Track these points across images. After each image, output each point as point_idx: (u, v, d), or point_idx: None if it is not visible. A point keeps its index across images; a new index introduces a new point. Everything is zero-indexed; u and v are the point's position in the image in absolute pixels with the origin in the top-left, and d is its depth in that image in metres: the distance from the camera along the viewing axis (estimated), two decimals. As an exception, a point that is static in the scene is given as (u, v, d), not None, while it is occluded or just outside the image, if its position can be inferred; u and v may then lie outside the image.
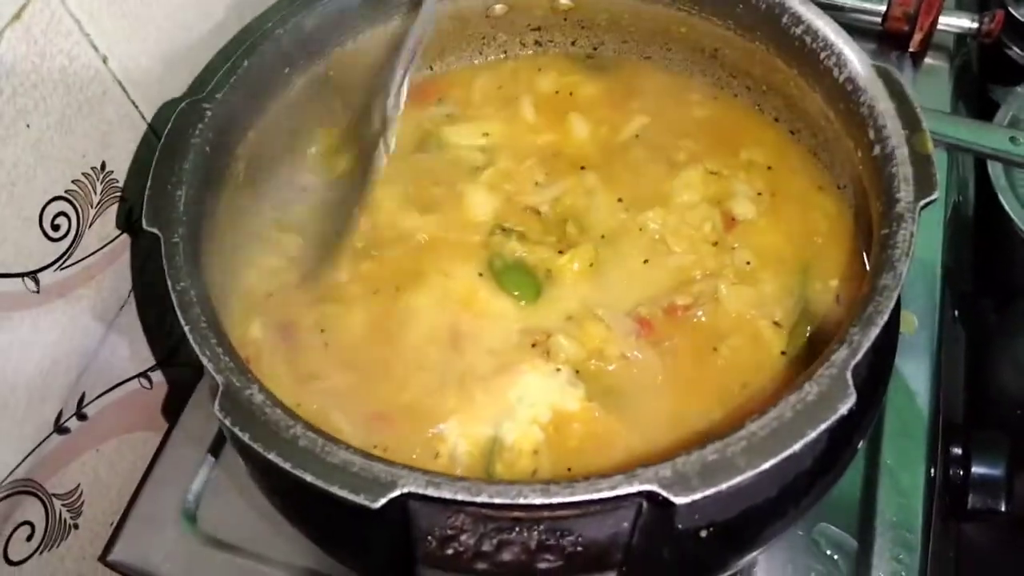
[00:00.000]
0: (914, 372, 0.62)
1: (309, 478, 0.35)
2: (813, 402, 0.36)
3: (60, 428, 0.57)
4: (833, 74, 0.51)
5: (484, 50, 0.66)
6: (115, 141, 0.56)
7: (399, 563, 0.34)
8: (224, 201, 0.52)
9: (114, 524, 0.63)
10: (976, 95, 0.81)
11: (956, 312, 0.70)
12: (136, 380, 0.64)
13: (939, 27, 0.74)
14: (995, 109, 0.75)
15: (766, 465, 0.34)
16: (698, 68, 0.63)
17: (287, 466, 0.36)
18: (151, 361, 0.65)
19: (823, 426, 0.35)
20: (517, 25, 0.64)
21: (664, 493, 0.33)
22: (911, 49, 0.75)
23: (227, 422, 0.37)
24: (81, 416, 0.59)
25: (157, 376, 0.66)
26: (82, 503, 0.60)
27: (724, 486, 0.34)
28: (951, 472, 0.62)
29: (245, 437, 0.37)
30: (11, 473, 0.53)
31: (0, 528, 0.54)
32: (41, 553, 0.57)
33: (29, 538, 0.56)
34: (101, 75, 0.54)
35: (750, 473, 0.34)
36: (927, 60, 0.77)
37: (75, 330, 0.56)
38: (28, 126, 0.49)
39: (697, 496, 0.33)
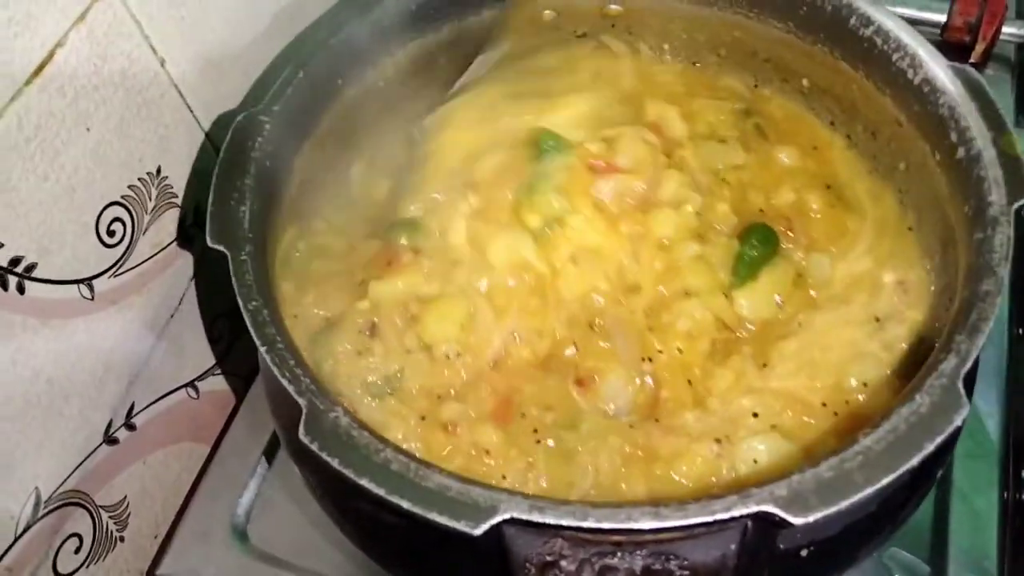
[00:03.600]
0: (984, 391, 0.60)
1: (406, 505, 0.33)
2: (927, 414, 0.35)
3: (109, 439, 0.56)
4: (907, 75, 0.50)
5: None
6: (171, 145, 0.55)
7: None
8: (284, 213, 0.51)
9: (159, 537, 0.62)
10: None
11: (1020, 330, 0.68)
12: (183, 390, 0.62)
13: (1002, 37, 0.72)
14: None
15: (886, 480, 0.33)
16: (749, 71, 0.61)
17: (381, 492, 0.34)
18: (198, 371, 0.64)
19: (940, 438, 0.34)
20: (564, 31, 0.63)
21: (781, 513, 0.32)
22: (972, 60, 0.73)
23: (314, 447, 0.35)
24: (130, 426, 0.57)
25: (204, 386, 0.64)
26: (128, 515, 0.59)
27: (844, 504, 0.32)
28: (1022, 496, 0.60)
29: (335, 463, 0.35)
30: (62, 484, 0.52)
31: (50, 540, 0.52)
32: (88, 566, 0.56)
33: (77, 550, 0.55)
34: (159, 78, 0.53)
35: (869, 490, 0.32)
36: (988, 71, 0.75)
37: (127, 338, 0.55)
38: (88, 129, 0.49)
39: (816, 516, 0.32)
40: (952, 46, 0.74)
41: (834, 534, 0.37)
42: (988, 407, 0.60)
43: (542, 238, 0.51)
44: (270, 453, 0.60)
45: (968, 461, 0.57)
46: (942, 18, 0.73)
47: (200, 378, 0.64)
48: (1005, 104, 0.74)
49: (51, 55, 0.45)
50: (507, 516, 0.33)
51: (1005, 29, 0.73)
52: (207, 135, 0.58)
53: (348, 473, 0.35)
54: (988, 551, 0.54)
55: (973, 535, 0.55)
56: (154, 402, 0.59)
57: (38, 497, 0.50)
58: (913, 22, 0.73)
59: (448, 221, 0.53)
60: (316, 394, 0.38)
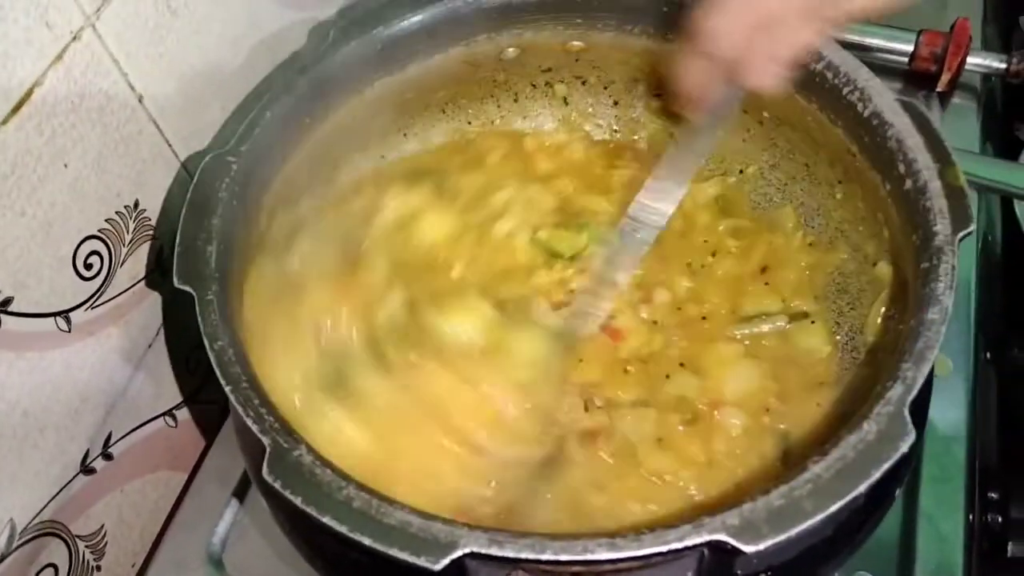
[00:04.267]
0: (950, 415, 0.61)
1: (367, 542, 0.34)
2: (873, 441, 0.36)
3: (86, 468, 0.56)
4: (857, 108, 0.52)
5: (495, 93, 0.66)
6: (148, 179, 0.56)
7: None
8: (252, 252, 0.52)
9: (136, 565, 0.62)
10: (1001, 134, 0.81)
11: (988, 354, 0.70)
12: (161, 419, 0.63)
13: (967, 67, 0.74)
14: (1021, 148, 0.75)
15: (834, 508, 0.34)
16: None
17: (343, 530, 0.35)
18: (176, 399, 0.65)
19: (886, 465, 0.35)
20: (528, 67, 0.65)
21: (733, 542, 0.33)
22: (939, 89, 0.75)
23: (277, 485, 0.37)
24: (107, 456, 0.58)
25: (182, 415, 0.65)
26: (105, 544, 0.60)
27: (793, 532, 0.33)
28: (989, 518, 0.61)
29: (297, 501, 0.36)
30: (37, 515, 0.53)
31: (25, 571, 0.53)
32: (64, 596, 0.56)
33: (53, 581, 0.55)
34: (136, 114, 0.54)
35: (819, 517, 0.34)
36: (954, 100, 0.76)
37: (104, 369, 0.56)
38: (66, 166, 0.50)
39: (767, 544, 0.33)
40: (919, 75, 0.76)
41: (791, 559, 0.39)
42: (954, 431, 0.60)
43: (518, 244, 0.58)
44: (244, 484, 0.60)
45: (935, 485, 0.58)
46: (909, 48, 0.75)
47: (178, 407, 0.65)
48: (971, 132, 0.76)
49: (29, 94, 0.47)
50: (467, 551, 0.34)
51: (970, 60, 0.74)
52: (185, 168, 0.59)
53: (311, 511, 0.36)
54: (955, 573, 0.55)
55: (940, 557, 0.55)
56: (132, 431, 0.60)
57: (13, 528, 0.51)
58: (880, 51, 0.76)
59: None
60: (280, 432, 0.39)
